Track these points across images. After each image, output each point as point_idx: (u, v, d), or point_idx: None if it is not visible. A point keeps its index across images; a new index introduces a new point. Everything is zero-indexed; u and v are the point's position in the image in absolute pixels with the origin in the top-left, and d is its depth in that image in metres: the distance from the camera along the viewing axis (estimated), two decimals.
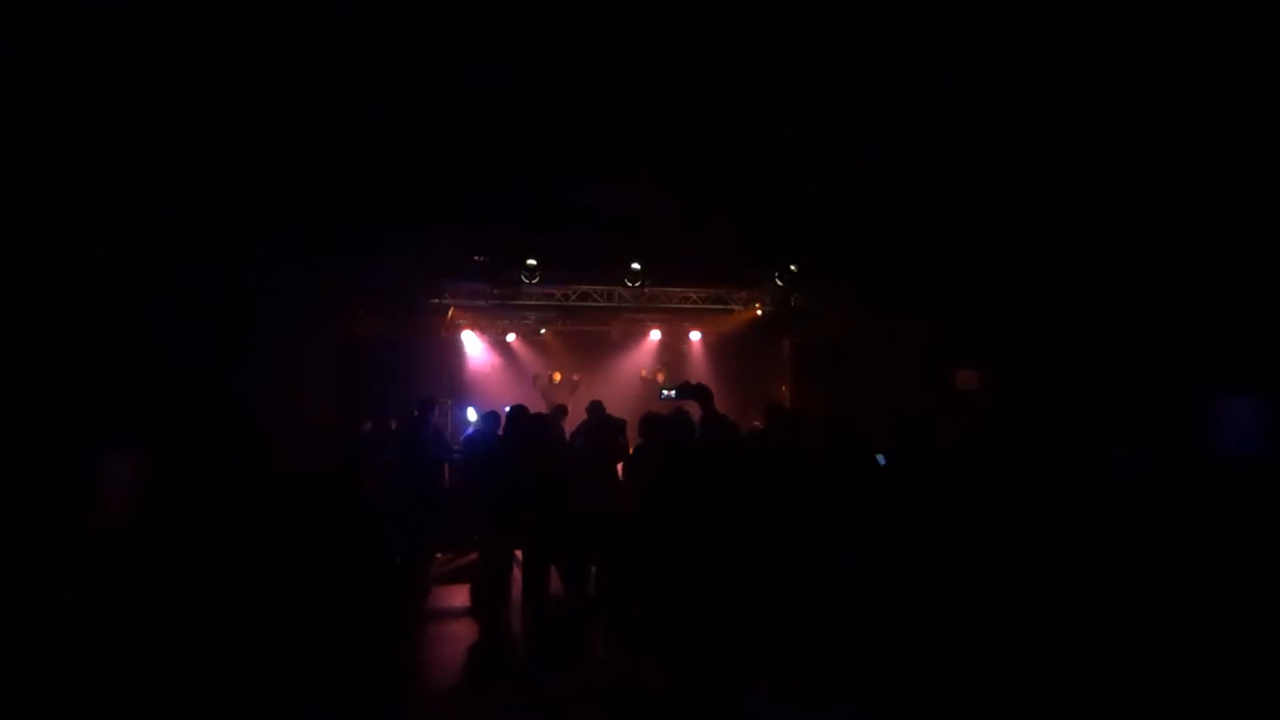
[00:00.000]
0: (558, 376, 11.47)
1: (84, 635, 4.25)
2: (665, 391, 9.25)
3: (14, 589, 4.18)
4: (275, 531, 5.80)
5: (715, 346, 13.30)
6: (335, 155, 6.00)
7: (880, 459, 4.90)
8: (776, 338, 11.44)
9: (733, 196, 7.19)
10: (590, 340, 13.55)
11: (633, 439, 5.99)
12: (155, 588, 4.86)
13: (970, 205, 6.58)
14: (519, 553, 6.15)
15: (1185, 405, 5.14)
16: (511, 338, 13.08)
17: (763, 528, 4.76)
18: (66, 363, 4.83)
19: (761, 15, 4.41)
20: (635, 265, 9.41)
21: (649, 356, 13.45)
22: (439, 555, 7.39)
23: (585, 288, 10.70)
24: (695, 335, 13.16)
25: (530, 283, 9.40)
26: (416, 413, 7.12)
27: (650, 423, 5.52)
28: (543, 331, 12.87)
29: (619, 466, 5.96)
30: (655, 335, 13.20)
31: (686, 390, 5.59)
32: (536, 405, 9.11)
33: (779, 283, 9.86)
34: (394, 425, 7.76)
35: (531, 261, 9.15)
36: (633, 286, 9.64)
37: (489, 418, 6.58)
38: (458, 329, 12.39)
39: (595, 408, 6.72)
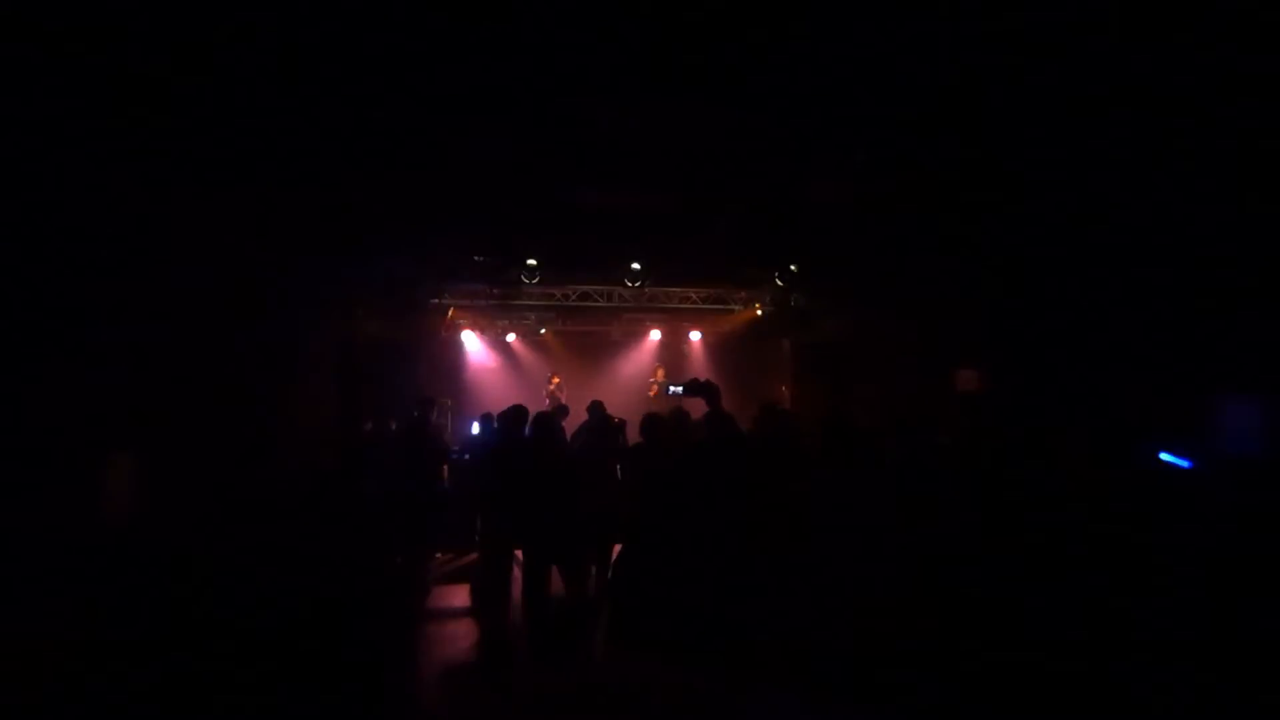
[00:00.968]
0: (556, 380, 11.49)
1: (84, 635, 4.25)
2: (672, 388, 9.24)
3: (14, 589, 4.18)
4: (275, 531, 5.80)
5: (715, 346, 13.30)
6: (336, 155, 6.00)
7: (879, 460, 4.89)
8: (776, 338, 11.44)
9: (733, 196, 7.19)
10: (590, 340, 13.55)
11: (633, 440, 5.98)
12: (155, 587, 4.86)
13: (971, 205, 6.57)
14: (519, 553, 6.14)
15: (1185, 405, 5.14)
16: (511, 338, 13.08)
17: (761, 527, 4.76)
18: (66, 363, 4.83)
19: (761, 15, 4.41)
20: (635, 265, 9.41)
21: (649, 356, 13.45)
22: (439, 555, 7.39)
23: (585, 288, 10.70)
24: (695, 335, 13.16)
25: (530, 283, 9.40)
26: (416, 413, 7.12)
27: (649, 423, 5.51)
28: (543, 331, 12.87)
29: (618, 467, 5.95)
30: (655, 335, 13.20)
31: (694, 387, 5.54)
32: (539, 407, 9.10)
33: (779, 283, 9.86)
34: (394, 425, 7.76)
35: (531, 261, 9.15)
36: (633, 286, 9.64)
37: (500, 419, 6.49)
38: (458, 329, 12.39)
39: (595, 408, 6.72)
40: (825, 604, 4.46)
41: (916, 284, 7.85)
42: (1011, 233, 6.53)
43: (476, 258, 9.31)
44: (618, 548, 5.59)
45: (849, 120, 5.60)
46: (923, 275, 7.71)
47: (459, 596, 6.30)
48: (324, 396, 8.13)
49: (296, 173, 6.09)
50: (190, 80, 4.71)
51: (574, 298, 10.87)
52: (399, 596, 6.24)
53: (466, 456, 7.90)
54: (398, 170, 6.40)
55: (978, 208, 6.56)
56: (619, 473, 5.93)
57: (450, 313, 11.49)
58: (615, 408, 7.34)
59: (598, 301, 10.93)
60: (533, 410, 6.16)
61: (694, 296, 11.19)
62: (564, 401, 10.51)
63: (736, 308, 11.49)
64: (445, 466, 7.52)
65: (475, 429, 7.76)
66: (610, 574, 5.69)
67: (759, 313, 11.45)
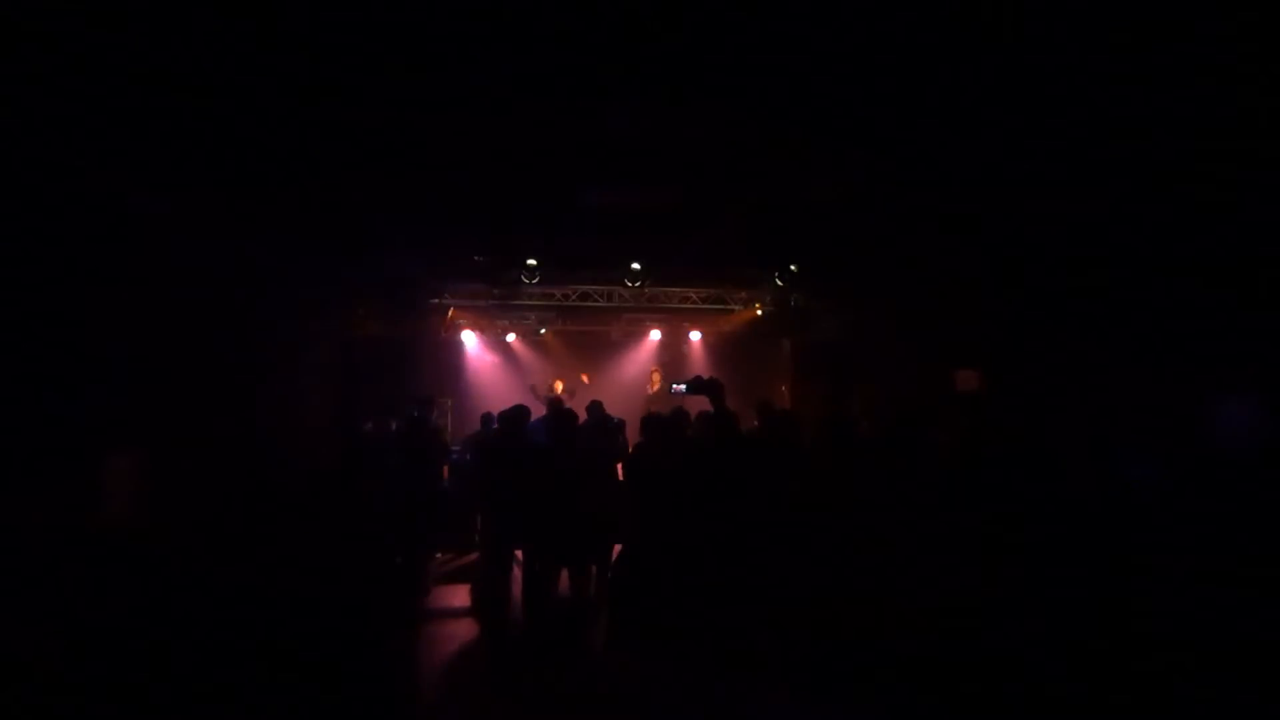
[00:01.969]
0: (559, 386, 10.53)
1: (83, 635, 4.25)
2: (675, 385, 9.22)
3: (14, 589, 4.18)
4: (275, 531, 5.80)
5: (715, 346, 13.29)
6: (336, 155, 6.00)
7: (880, 460, 4.89)
8: (776, 338, 11.44)
9: (733, 196, 7.19)
10: (590, 340, 13.54)
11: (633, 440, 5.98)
12: (155, 587, 4.86)
13: (971, 205, 6.58)
14: (519, 553, 6.14)
15: (1185, 405, 5.14)
16: (511, 338, 13.08)
17: (761, 527, 4.76)
18: (66, 363, 4.83)
19: (762, 15, 4.41)
20: (635, 265, 9.41)
21: (649, 356, 13.44)
22: (439, 555, 7.39)
23: (585, 288, 10.69)
24: (695, 335, 13.16)
25: (530, 283, 9.40)
26: (416, 413, 7.11)
27: (648, 423, 5.50)
28: (543, 331, 12.86)
29: (619, 467, 5.95)
30: (655, 335, 13.19)
31: (697, 385, 5.52)
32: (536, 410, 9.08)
33: (779, 283, 9.86)
34: (394, 425, 7.76)
35: (531, 261, 9.15)
36: (633, 286, 9.63)
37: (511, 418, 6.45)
38: (458, 329, 12.39)
39: (595, 408, 6.72)
40: (825, 604, 4.46)
41: (916, 284, 7.85)
42: (1012, 233, 6.53)
43: (476, 258, 9.31)
44: (618, 548, 5.60)
45: (849, 120, 5.60)
46: (922, 275, 7.71)
47: (459, 596, 6.30)
48: (324, 396, 8.13)
49: (296, 172, 6.09)
50: (190, 80, 4.71)
51: (574, 298, 10.86)
52: (399, 596, 6.24)
53: (468, 456, 7.90)
54: (398, 170, 6.39)
55: (978, 208, 6.56)
56: (619, 473, 5.93)
57: (450, 313, 11.48)
58: (615, 408, 7.34)
59: (598, 301, 10.92)
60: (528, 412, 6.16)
61: (694, 296, 11.18)
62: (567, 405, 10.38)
63: (736, 308, 11.48)
64: (445, 466, 7.52)
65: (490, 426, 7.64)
66: (610, 574, 5.69)
67: (759, 313, 11.44)
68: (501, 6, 4.34)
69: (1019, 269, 6.58)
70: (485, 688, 4.68)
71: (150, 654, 4.29)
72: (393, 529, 6.59)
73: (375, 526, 6.52)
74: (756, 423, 5.93)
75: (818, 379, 10.11)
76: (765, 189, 7.01)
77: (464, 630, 5.60)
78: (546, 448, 5.75)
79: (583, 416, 6.73)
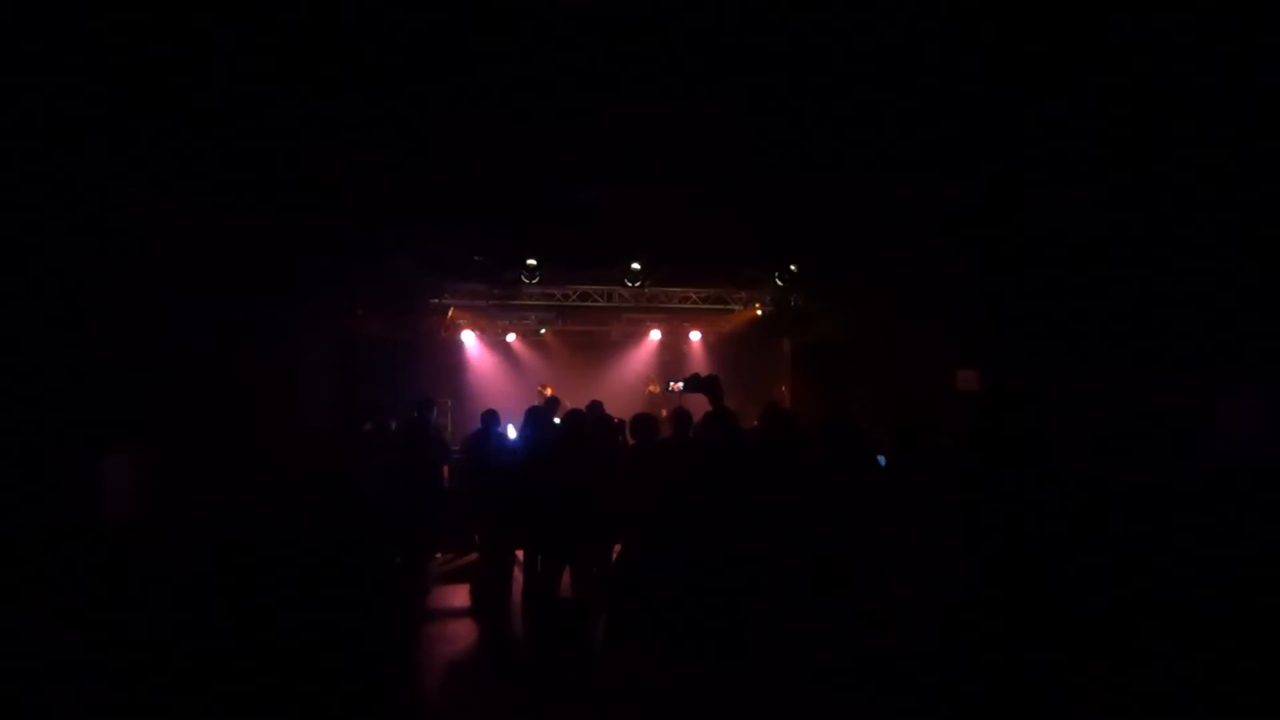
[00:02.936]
0: (549, 391, 11.12)
1: (82, 635, 4.25)
2: (673, 384, 9.22)
3: (14, 589, 4.18)
4: (275, 531, 5.80)
5: (715, 346, 13.30)
6: (335, 155, 6.00)
7: (880, 460, 4.89)
8: (776, 338, 11.44)
9: (734, 196, 7.19)
10: (590, 340, 13.55)
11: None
12: (154, 587, 4.86)
13: (971, 205, 6.58)
14: (519, 553, 6.15)
15: (1185, 405, 5.14)
16: (511, 338, 13.08)
17: (762, 527, 4.76)
18: (66, 363, 4.83)
19: (762, 14, 4.41)
20: (635, 265, 9.42)
21: (649, 356, 13.45)
22: (439, 555, 7.39)
23: (585, 288, 10.70)
24: (695, 335, 13.16)
25: (530, 283, 9.41)
26: (416, 413, 7.11)
27: (637, 423, 5.49)
28: (543, 331, 12.87)
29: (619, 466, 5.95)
30: (655, 335, 13.20)
31: (695, 383, 5.51)
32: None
33: (779, 283, 9.87)
34: (394, 425, 7.76)
35: (531, 261, 9.16)
36: (633, 286, 9.64)
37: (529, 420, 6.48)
38: (458, 329, 12.39)
39: (594, 408, 6.71)
40: (826, 603, 4.46)
41: (916, 284, 7.85)
42: (1012, 232, 6.53)
43: (476, 258, 9.31)
44: (617, 547, 5.60)
45: (850, 120, 5.60)
46: (922, 275, 7.71)
47: (459, 596, 6.30)
48: (324, 396, 8.13)
49: (296, 172, 6.09)
50: (191, 80, 4.71)
51: (574, 298, 10.87)
52: (399, 596, 6.24)
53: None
54: (398, 169, 6.39)
55: (978, 207, 6.56)
56: (620, 472, 5.93)
57: (450, 313, 11.49)
58: (615, 408, 7.35)
59: (598, 301, 10.93)
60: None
61: (694, 296, 11.19)
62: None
63: (736, 308, 11.49)
64: (445, 466, 7.52)
65: (511, 432, 7.62)
66: (610, 573, 5.69)
67: (759, 313, 11.45)
68: (501, 6, 4.34)
69: (1019, 268, 6.58)
70: (485, 688, 4.68)
71: (150, 654, 4.29)
72: (393, 529, 6.59)
73: (375, 526, 6.52)
74: (757, 422, 5.92)
75: (818, 379, 10.11)
76: (765, 189, 7.01)
77: (464, 630, 5.60)
78: (556, 448, 5.78)
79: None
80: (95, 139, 4.81)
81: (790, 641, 4.54)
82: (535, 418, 6.19)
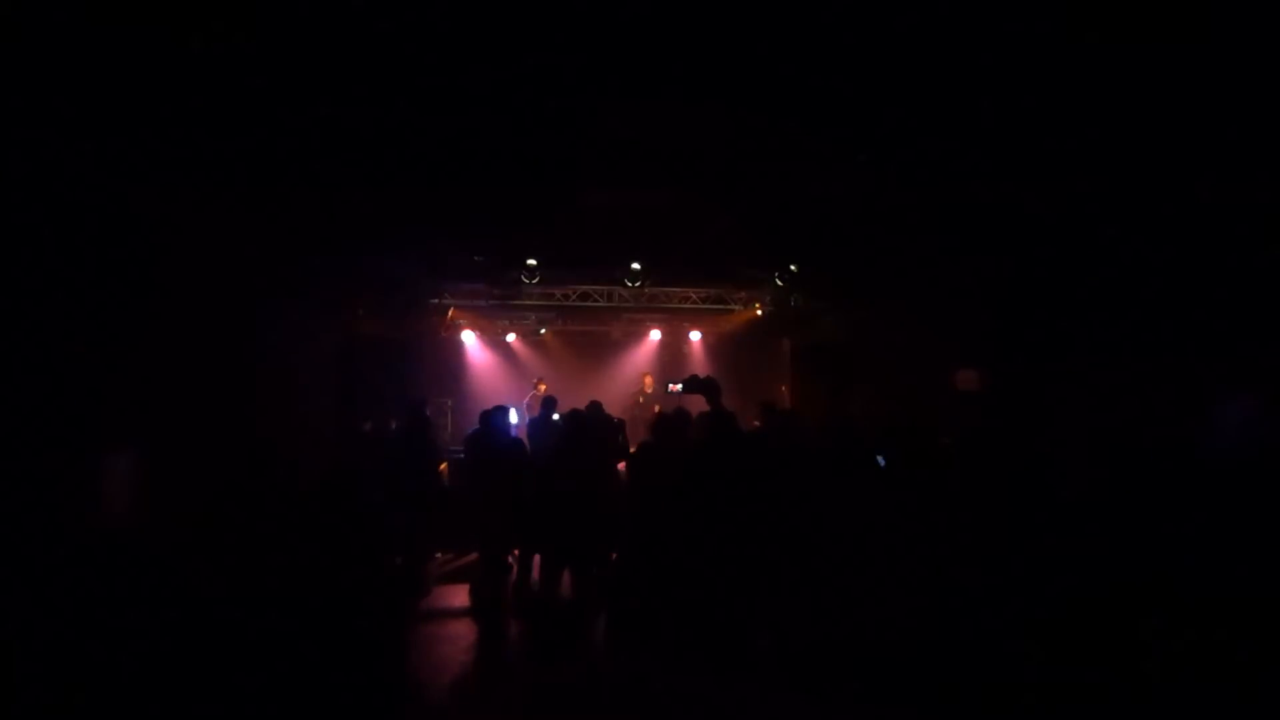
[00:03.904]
0: (542, 387, 11.12)
1: (83, 635, 4.25)
2: (672, 385, 9.22)
3: (14, 589, 4.18)
4: (274, 531, 5.80)
5: (715, 346, 13.29)
6: (335, 155, 6.00)
7: (880, 460, 4.89)
8: (776, 338, 11.44)
9: (734, 196, 7.19)
10: (590, 340, 13.54)
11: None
12: (154, 587, 4.86)
13: (971, 205, 6.57)
14: (518, 553, 6.15)
15: (1185, 405, 5.14)
16: (511, 338, 13.07)
17: (762, 527, 4.76)
18: (66, 363, 4.83)
19: (762, 14, 4.41)
20: (635, 265, 9.42)
21: (649, 356, 13.44)
22: (439, 555, 7.39)
23: (585, 288, 10.70)
24: (695, 335, 13.15)
25: (530, 283, 9.41)
26: (413, 414, 7.09)
27: (659, 423, 5.51)
28: (543, 331, 12.86)
29: (620, 467, 5.95)
30: (655, 335, 13.19)
31: (694, 384, 5.51)
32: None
33: (779, 283, 9.87)
34: (394, 425, 7.75)
35: (531, 261, 9.16)
36: (633, 286, 9.64)
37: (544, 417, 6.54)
38: (458, 329, 12.39)
39: (594, 408, 6.70)
40: (825, 603, 4.46)
41: (916, 284, 7.85)
42: (1012, 232, 6.53)
43: (476, 258, 9.31)
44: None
45: (850, 120, 5.60)
46: (922, 275, 7.71)
47: (459, 596, 6.30)
48: (324, 396, 8.13)
49: (296, 172, 6.09)
50: (191, 80, 4.71)
51: (574, 298, 10.86)
52: (399, 596, 6.24)
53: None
54: (398, 170, 6.39)
55: (978, 207, 6.56)
56: (620, 472, 5.93)
57: (450, 313, 11.49)
58: (615, 408, 7.35)
59: (598, 301, 10.92)
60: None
61: (694, 296, 11.18)
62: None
63: (736, 308, 11.49)
64: (444, 466, 7.52)
65: (513, 417, 7.64)
66: (611, 574, 5.69)
67: (759, 313, 11.44)
68: (502, 6, 4.34)
69: (1019, 269, 6.58)
70: (485, 688, 4.68)
71: (150, 654, 4.29)
72: (393, 529, 6.59)
73: (375, 526, 6.51)
74: (758, 422, 5.93)
75: (818, 379, 10.11)
76: (765, 189, 7.01)
77: (464, 630, 5.60)
78: (519, 443, 5.79)
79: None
80: (97, 139, 4.82)
81: (788, 641, 4.54)
82: (536, 422, 6.22)
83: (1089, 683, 3.80)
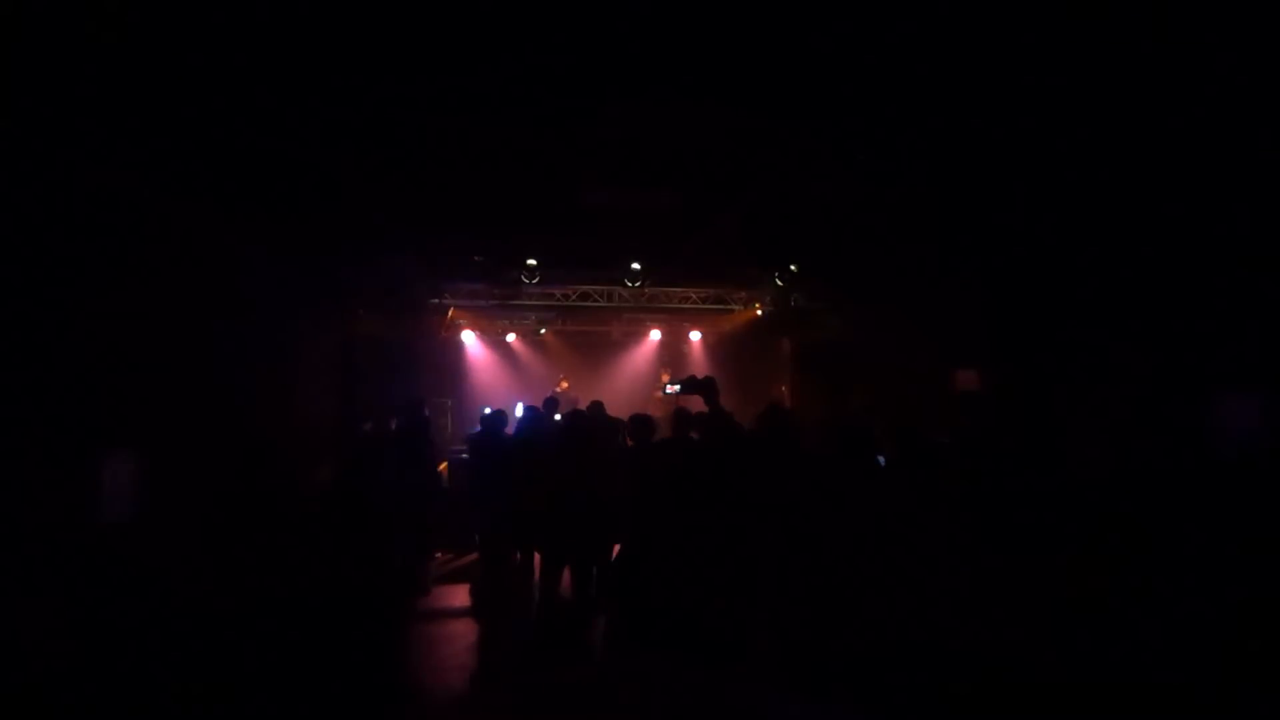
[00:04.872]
0: (565, 384, 11.30)
1: (83, 635, 4.25)
2: (669, 386, 9.23)
3: (13, 589, 4.18)
4: (274, 531, 5.80)
5: (715, 346, 13.30)
6: (335, 155, 6.00)
7: (880, 460, 4.89)
8: (776, 338, 11.44)
9: (733, 196, 7.19)
10: (590, 340, 13.55)
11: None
12: (154, 587, 4.86)
13: (971, 205, 6.57)
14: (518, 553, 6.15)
15: (1185, 405, 5.14)
16: (511, 338, 13.08)
17: (761, 527, 4.76)
18: (66, 364, 4.83)
19: (762, 14, 4.41)
20: (635, 265, 9.42)
21: (649, 356, 13.45)
22: (439, 555, 7.39)
23: (585, 288, 10.70)
24: (695, 335, 13.16)
25: (530, 283, 9.41)
26: (408, 415, 7.09)
27: (636, 424, 5.49)
28: (543, 331, 12.87)
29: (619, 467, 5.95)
30: (655, 335, 13.20)
31: (691, 384, 5.51)
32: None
33: (779, 283, 9.87)
34: (394, 425, 7.75)
35: (531, 261, 9.16)
36: (633, 286, 9.64)
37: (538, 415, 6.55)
38: (458, 329, 12.39)
39: (595, 408, 6.71)
40: (826, 603, 4.46)
41: (916, 284, 7.85)
42: (1012, 232, 6.52)
43: (476, 258, 9.32)
44: (617, 547, 5.59)
45: (850, 120, 5.60)
46: (922, 275, 7.71)
47: (459, 596, 6.30)
48: (324, 396, 8.13)
49: (297, 172, 6.09)
50: (190, 79, 4.71)
51: (574, 298, 10.87)
52: (399, 596, 6.24)
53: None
54: (398, 170, 6.39)
55: (978, 207, 6.56)
56: (620, 472, 5.92)
57: (450, 313, 11.49)
58: (615, 408, 7.35)
59: (598, 301, 10.93)
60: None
61: (694, 296, 11.19)
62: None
63: (736, 308, 11.49)
64: (444, 466, 7.52)
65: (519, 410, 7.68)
66: (610, 573, 5.69)
67: (759, 313, 11.45)
68: (502, 6, 4.34)
69: (1019, 269, 6.58)
70: (485, 688, 4.68)
71: (150, 654, 4.29)
72: (393, 529, 6.59)
73: (375, 526, 6.51)
74: (756, 422, 5.92)
75: (818, 379, 10.12)
76: (765, 189, 7.01)
77: (464, 630, 5.60)
78: (522, 445, 5.80)
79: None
80: (96, 140, 4.81)
81: (789, 641, 4.53)
82: (533, 418, 6.22)
83: (1089, 683, 3.80)
